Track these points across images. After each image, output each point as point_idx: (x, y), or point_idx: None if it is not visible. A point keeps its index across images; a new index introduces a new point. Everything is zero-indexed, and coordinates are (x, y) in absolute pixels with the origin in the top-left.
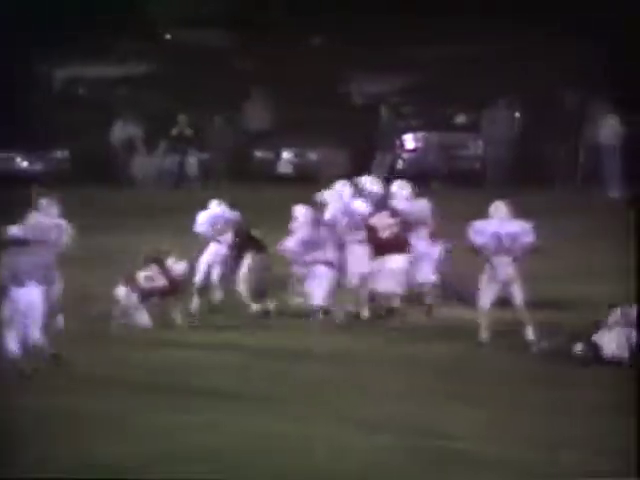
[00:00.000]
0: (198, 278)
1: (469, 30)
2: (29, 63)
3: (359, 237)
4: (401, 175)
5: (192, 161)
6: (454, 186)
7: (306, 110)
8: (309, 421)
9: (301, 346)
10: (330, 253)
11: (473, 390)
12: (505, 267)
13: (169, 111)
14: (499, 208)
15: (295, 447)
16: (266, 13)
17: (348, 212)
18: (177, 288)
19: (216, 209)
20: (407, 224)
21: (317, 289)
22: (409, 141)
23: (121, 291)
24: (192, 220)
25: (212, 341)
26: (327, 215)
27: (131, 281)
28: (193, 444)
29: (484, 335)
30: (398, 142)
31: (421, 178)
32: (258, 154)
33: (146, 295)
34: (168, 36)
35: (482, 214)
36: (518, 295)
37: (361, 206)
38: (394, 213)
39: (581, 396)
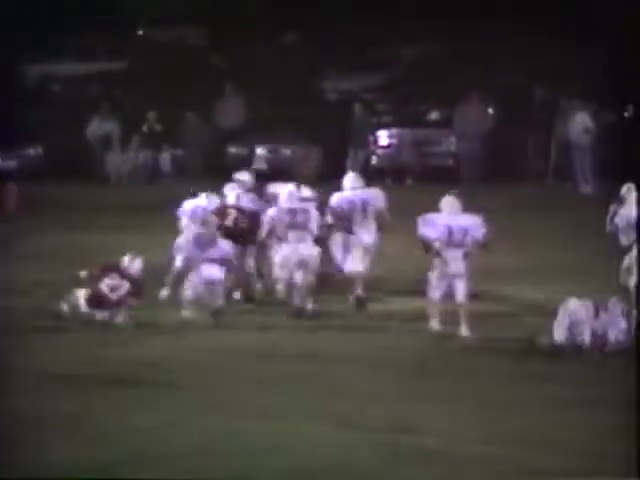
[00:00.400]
0: (176, 266)
1: (440, 28)
2: (1, 61)
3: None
4: (376, 171)
5: (165, 157)
6: (428, 182)
7: (280, 107)
8: (278, 418)
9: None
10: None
11: (448, 386)
12: (456, 261)
13: (142, 108)
14: (450, 202)
15: (265, 445)
16: (239, 10)
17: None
18: (140, 288)
19: (202, 200)
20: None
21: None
22: (382, 137)
23: (80, 300)
24: (166, 216)
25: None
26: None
27: (95, 297)
28: (158, 444)
29: (435, 326)
30: (372, 138)
31: (395, 174)
32: (232, 150)
33: (114, 305)
34: (140, 32)
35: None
36: (462, 290)
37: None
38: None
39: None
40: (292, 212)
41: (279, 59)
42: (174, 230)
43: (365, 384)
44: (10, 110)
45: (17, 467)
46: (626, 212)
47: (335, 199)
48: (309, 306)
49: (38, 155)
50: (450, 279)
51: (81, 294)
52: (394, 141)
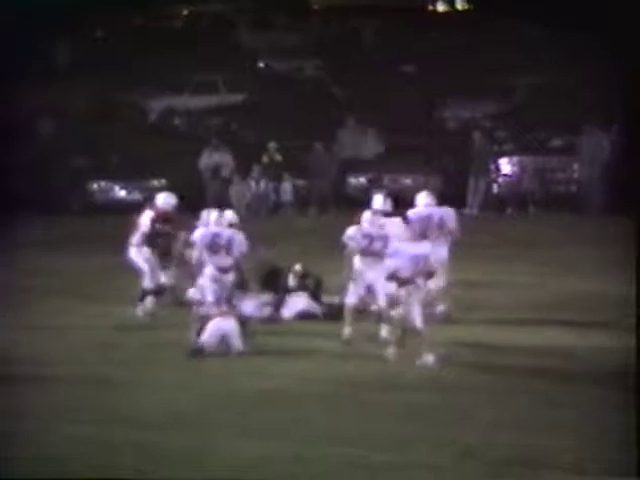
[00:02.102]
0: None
1: (560, 56)
2: (125, 94)
3: None
4: (498, 199)
5: (287, 188)
6: (551, 210)
7: (400, 136)
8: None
9: None
10: None
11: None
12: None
13: (263, 139)
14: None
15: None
16: (358, 41)
17: None
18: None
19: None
20: None
21: None
22: (504, 165)
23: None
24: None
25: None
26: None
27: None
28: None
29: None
30: (493, 166)
31: (517, 202)
32: (353, 180)
33: None
34: (261, 65)
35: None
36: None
37: None
38: None
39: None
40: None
41: (398, 89)
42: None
43: (490, 413)
44: (134, 143)
45: None
46: None
47: (411, 213)
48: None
49: (162, 186)
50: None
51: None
52: (515, 169)
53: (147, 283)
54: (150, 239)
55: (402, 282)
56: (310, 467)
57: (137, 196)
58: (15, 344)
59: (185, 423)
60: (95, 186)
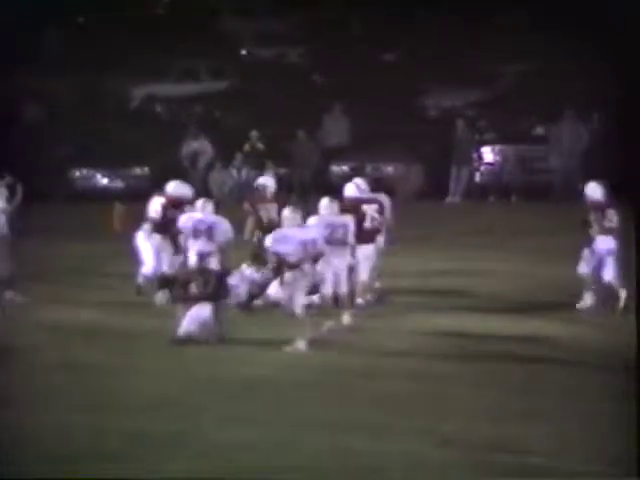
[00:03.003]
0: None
1: (540, 44)
2: (107, 82)
3: None
4: (480, 188)
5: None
6: (532, 199)
7: (382, 124)
8: (382, 436)
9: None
10: None
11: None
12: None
13: (245, 127)
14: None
15: (370, 464)
16: (341, 29)
17: None
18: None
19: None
20: None
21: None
22: (486, 154)
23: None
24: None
25: None
26: None
27: None
28: (260, 460)
29: None
30: (475, 155)
31: (499, 191)
32: (335, 169)
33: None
34: (243, 52)
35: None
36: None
37: None
38: None
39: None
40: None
41: (381, 77)
42: None
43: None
44: (116, 131)
45: None
46: None
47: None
48: None
49: (144, 175)
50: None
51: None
52: (498, 157)
53: (146, 270)
54: (161, 226)
55: (289, 267)
56: (293, 453)
57: (119, 184)
58: (2, 331)
59: (169, 409)
60: (77, 174)
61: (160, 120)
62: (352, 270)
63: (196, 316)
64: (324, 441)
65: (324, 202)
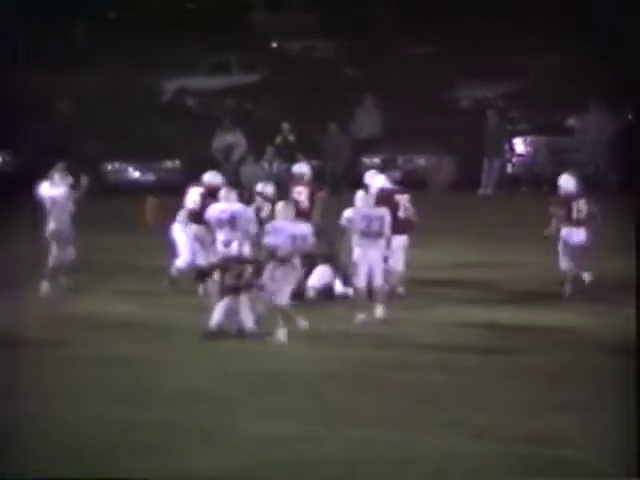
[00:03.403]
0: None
1: (571, 37)
2: (138, 76)
3: None
4: (512, 179)
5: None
6: None
7: (413, 116)
8: (414, 428)
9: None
10: None
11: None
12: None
13: (276, 120)
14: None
15: (402, 455)
16: (372, 22)
17: None
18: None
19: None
20: None
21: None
22: (518, 145)
23: None
24: None
25: None
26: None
27: None
28: (296, 453)
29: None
30: (507, 147)
31: (531, 182)
32: (367, 161)
33: None
34: (275, 45)
35: None
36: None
37: None
38: None
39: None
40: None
41: (412, 69)
42: None
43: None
44: (148, 124)
45: None
46: None
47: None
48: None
49: (176, 168)
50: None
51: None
52: (529, 149)
53: (180, 263)
54: (199, 215)
55: (279, 260)
56: (325, 446)
57: (151, 177)
58: (35, 325)
59: (201, 402)
60: (109, 167)
61: (191, 113)
62: (386, 262)
63: (227, 308)
64: (357, 434)
65: (360, 194)
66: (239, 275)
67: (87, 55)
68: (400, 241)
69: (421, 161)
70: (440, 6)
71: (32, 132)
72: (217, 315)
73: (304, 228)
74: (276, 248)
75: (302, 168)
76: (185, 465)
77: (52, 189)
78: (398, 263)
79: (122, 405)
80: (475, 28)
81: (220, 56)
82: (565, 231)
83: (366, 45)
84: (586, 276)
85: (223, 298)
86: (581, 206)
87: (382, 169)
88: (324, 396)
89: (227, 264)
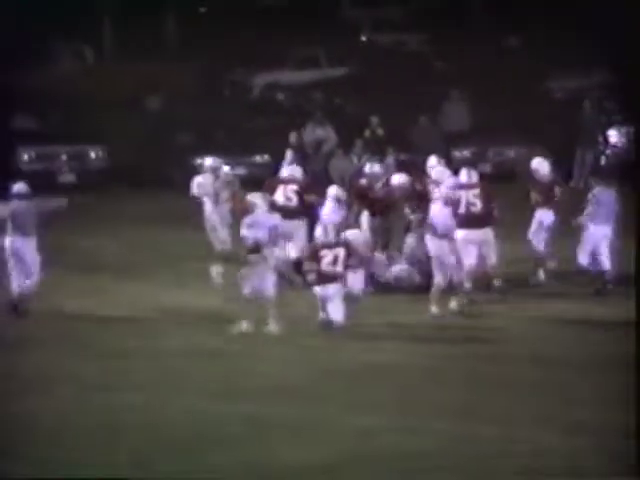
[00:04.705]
0: None
1: None
2: (228, 70)
3: None
4: (607, 171)
5: (390, 162)
6: None
7: (505, 108)
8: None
9: None
10: None
11: None
12: None
13: (365, 113)
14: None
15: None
16: (463, 14)
17: None
18: None
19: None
20: None
21: None
22: (613, 136)
23: None
24: None
25: None
26: None
27: None
28: (381, 447)
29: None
30: (601, 138)
31: (626, 174)
32: (457, 154)
33: None
34: (364, 39)
35: None
36: None
37: None
38: None
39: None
40: None
41: (503, 61)
42: None
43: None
44: (236, 118)
45: None
46: None
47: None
48: None
49: (265, 162)
50: None
51: None
52: (624, 140)
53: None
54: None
55: (252, 251)
56: (419, 440)
57: (240, 171)
58: (126, 318)
59: (293, 396)
60: (199, 161)
61: (281, 108)
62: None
63: (327, 296)
64: (450, 427)
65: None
66: (334, 261)
67: (179, 50)
68: (476, 235)
69: (511, 153)
70: None
71: (124, 128)
72: (328, 308)
73: (275, 219)
74: (255, 240)
75: (294, 170)
76: (275, 457)
77: None
78: (492, 256)
79: (211, 398)
80: (566, 18)
81: (309, 50)
82: (541, 213)
83: (456, 37)
84: (550, 264)
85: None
86: (555, 190)
87: (472, 162)
88: (416, 389)
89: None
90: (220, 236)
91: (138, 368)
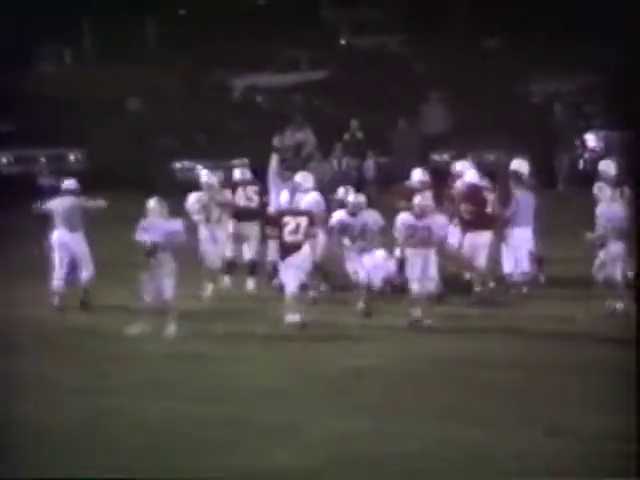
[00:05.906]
0: None
1: None
2: (207, 73)
3: None
4: (584, 175)
5: (370, 165)
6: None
7: (483, 111)
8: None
9: None
10: None
11: None
12: None
13: (345, 116)
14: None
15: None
16: (442, 16)
17: None
18: None
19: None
20: None
21: None
22: (590, 140)
23: None
24: None
25: None
26: None
27: None
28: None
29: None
30: (579, 142)
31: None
32: (436, 157)
33: None
34: (344, 42)
35: None
36: None
37: None
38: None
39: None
40: None
41: (482, 63)
42: None
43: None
44: (216, 121)
45: None
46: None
47: None
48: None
49: (244, 165)
50: None
51: None
52: (602, 144)
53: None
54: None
55: (151, 254)
56: (402, 443)
57: (219, 175)
58: (115, 321)
59: (276, 399)
60: (178, 165)
61: (260, 110)
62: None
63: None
64: (433, 430)
65: None
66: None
67: (158, 52)
68: (486, 237)
69: (491, 157)
70: None
71: (105, 131)
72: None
73: (176, 225)
74: (152, 244)
75: (245, 174)
76: (261, 460)
77: None
78: (481, 259)
79: (195, 401)
80: (545, 21)
81: (289, 53)
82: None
83: (435, 40)
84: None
85: None
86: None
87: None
88: (401, 393)
89: None
90: (212, 254)
91: (121, 371)
